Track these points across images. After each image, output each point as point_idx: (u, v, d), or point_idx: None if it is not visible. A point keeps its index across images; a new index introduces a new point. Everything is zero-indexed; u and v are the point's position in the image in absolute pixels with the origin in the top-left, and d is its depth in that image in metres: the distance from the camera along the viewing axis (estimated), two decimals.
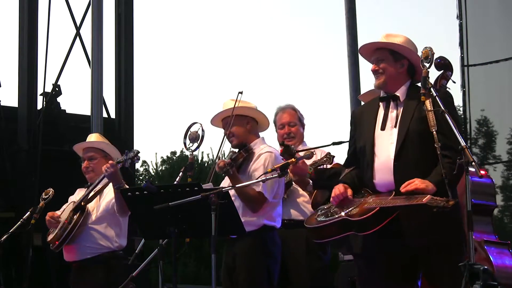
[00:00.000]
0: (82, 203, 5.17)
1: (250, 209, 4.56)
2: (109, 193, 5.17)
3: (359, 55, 4.06)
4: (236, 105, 4.76)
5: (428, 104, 3.64)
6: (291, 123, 5.40)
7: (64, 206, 5.46)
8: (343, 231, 3.83)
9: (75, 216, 5.13)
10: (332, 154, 4.97)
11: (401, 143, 3.79)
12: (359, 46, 4.35)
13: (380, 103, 3.99)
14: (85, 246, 5.16)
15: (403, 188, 3.64)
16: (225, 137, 4.81)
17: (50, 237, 5.25)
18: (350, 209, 3.79)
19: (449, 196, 3.45)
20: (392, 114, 3.91)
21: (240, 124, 4.85)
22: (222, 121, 4.92)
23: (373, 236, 3.75)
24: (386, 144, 3.85)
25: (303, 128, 5.49)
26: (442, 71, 4.90)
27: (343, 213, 3.80)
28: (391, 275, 3.82)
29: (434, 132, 3.57)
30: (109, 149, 5.40)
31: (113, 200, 5.04)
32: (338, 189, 3.90)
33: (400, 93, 3.93)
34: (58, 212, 5.33)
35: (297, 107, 5.50)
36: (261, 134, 5.01)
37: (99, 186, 5.22)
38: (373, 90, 4.72)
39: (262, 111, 4.93)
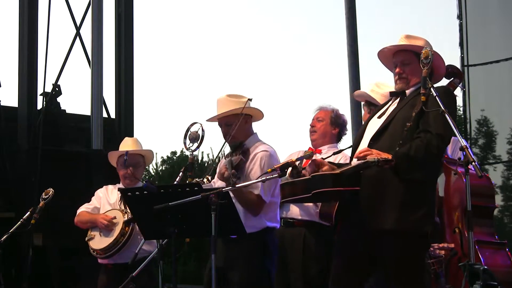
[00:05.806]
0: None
1: (250, 213, 4.50)
2: None
3: (378, 58, 4.03)
4: (236, 107, 4.69)
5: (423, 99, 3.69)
6: (319, 118, 5.43)
7: (95, 203, 5.58)
8: (305, 191, 3.85)
9: (127, 228, 5.31)
10: None
11: (384, 126, 3.84)
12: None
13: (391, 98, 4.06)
14: (130, 251, 5.25)
15: (356, 155, 3.68)
16: (225, 137, 4.77)
17: (95, 245, 5.36)
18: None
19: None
20: (394, 106, 3.96)
21: (239, 123, 4.78)
22: (218, 118, 4.87)
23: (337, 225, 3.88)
24: (373, 129, 3.91)
25: (336, 129, 5.44)
26: (451, 79, 4.93)
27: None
28: (350, 265, 3.82)
29: (414, 113, 3.65)
30: (149, 156, 5.64)
31: None
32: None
33: (409, 91, 3.97)
34: (95, 205, 5.54)
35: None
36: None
37: None
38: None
39: (255, 107, 4.82)
